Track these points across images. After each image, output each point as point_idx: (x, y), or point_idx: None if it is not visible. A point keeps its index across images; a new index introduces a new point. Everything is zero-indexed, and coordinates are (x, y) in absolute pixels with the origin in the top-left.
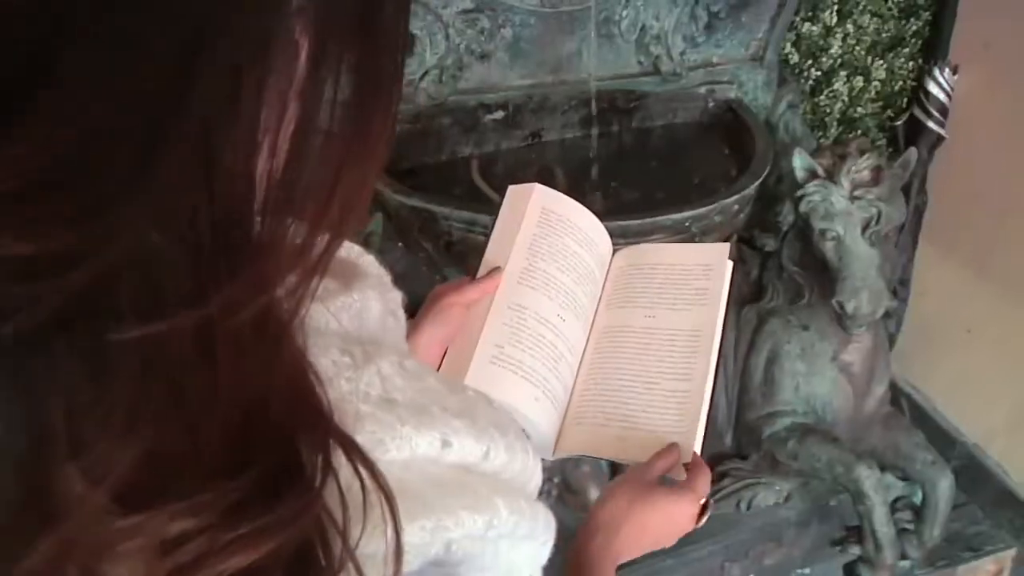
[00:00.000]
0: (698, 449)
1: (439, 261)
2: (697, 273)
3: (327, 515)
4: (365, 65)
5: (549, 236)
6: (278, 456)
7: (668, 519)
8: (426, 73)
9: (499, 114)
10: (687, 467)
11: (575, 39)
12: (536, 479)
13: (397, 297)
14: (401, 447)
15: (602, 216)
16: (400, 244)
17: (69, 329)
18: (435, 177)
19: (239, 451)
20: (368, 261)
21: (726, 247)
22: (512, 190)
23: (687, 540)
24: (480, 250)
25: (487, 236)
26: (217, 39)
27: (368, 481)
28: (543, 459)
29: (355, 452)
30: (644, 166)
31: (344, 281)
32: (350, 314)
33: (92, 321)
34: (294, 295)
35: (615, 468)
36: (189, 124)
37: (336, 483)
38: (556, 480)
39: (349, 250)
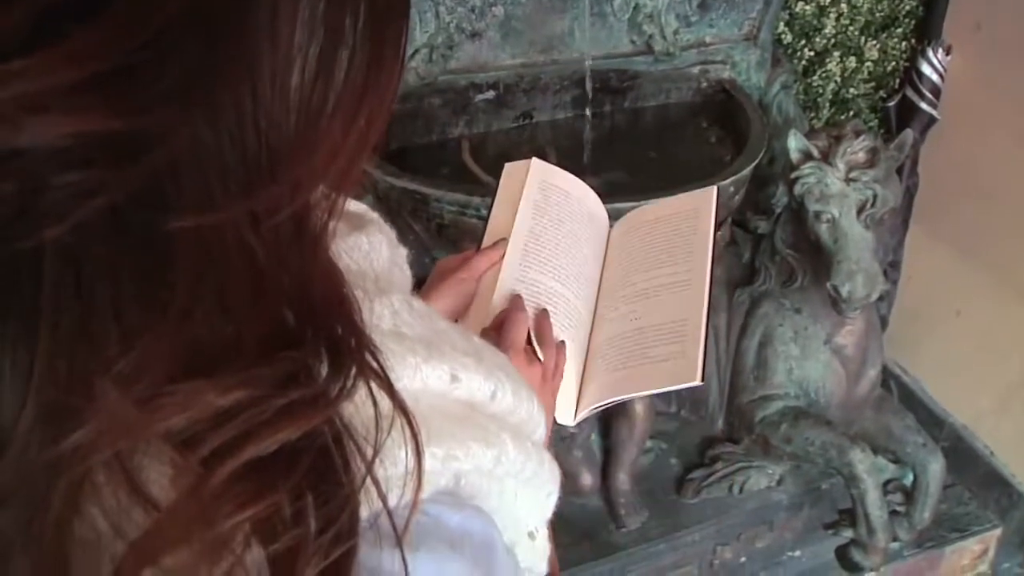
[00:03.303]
0: (699, 376)
1: (430, 244)
2: (687, 215)
3: (346, 428)
4: None
5: (549, 209)
6: (316, 347)
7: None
8: (416, 52)
9: (490, 94)
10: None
11: (567, 18)
12: (541, 431)
13: (403, 252)
14: (412, 377)
15: None
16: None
17: (122, 222)
18: (425, 158)
19: (279, 346)
20: (376, 216)
21: (712, 190)
22: (509, 166)
23: (679, 524)
24: (472, 233)
25: (486, 215)
26: None
27: (387, 398)
28: (565, 425)
29: (379, 367)
30: (637, 147)
31: (354, 225)
32: (360, 254)
33: (146, 213)
34: (327, 201)
35: (607, 453)
36: (246, 32)
37: (364, 390)
38: None
39: (358, 206)
